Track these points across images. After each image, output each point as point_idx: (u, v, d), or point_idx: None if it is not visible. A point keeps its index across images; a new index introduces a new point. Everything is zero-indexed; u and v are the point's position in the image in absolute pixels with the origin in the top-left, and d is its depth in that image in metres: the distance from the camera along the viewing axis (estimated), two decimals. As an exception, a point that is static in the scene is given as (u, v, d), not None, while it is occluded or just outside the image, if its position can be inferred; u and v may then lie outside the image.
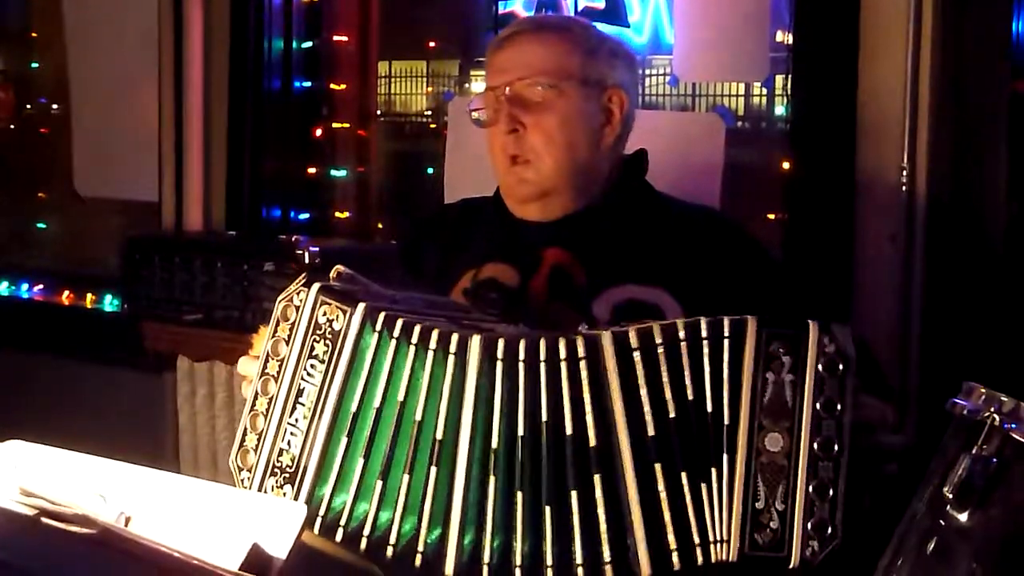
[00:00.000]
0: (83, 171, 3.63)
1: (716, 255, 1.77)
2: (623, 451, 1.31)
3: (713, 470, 1.31)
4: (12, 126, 4.15)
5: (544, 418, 1.32)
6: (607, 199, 1.83)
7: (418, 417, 1.35)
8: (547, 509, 1.31)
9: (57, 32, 3.66)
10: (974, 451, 1.12)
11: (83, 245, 3.87)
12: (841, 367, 1.31)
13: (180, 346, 3.09)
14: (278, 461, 1.40)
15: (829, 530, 1.29)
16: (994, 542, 1.12)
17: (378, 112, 3.42)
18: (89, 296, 3.59)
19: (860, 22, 2.31)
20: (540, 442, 1.32)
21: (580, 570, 1.31)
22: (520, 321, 1.48)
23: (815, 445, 1.30)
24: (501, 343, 1.33)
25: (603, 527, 1.31)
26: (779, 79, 2.61)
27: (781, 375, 1.31)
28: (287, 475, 1.39)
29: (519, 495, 1.32)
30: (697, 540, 1.30)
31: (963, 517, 1.12)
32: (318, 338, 1.40)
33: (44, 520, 1.07)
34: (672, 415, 1.32)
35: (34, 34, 4.06)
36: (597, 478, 1.31)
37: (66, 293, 3.66)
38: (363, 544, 1.35)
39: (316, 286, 1.42)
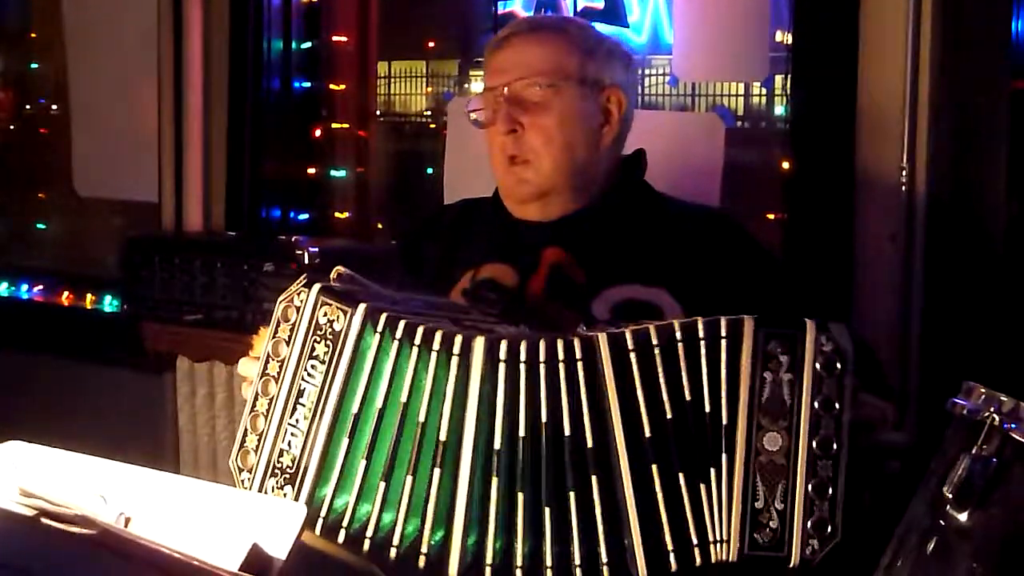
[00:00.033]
0: (83, 171, 3.62)
1: (715, 254, 1.77)
2: (619, 452, 1.32)
3: (712, 470, 1.31)
4: (12, 126, 4.15)
5: (544, 419, 1.32)
6: (606, 199, 1.84)
7: (421, 418, 1.35)
8: (547, 510, 1.31)
9: (57, 32, 3.65)
10: (974, 451, 1.12)
11: (83, 245, 3.87)
12: (839, 366, 1.31)
13: (180, 346, 3.09)
14: (278, 462, 1.40)
15: (829, 529, 1.29)
16: (994, 542, 1.12)
17: (378, 112, 3.41)
18: (89, 296, 3.59)
19: (860, 22, 2.31)
20: (540, 443, 1.32)
21: (579, 571, 1.31)
22: (519, 322, 1.48)
23: (814, 444, 1.30)
24: (504, 344, 1.33)
25: (601, 528, 1.31)
26: (779, 79, 2.61)
27: (779, 374, 1.31)
28: (287, 476, 1.39)
29: (520, 496, 1.32)
30: (695, 540, 1.31)
31: (963, 517, 1.12)
32: (319, 339, 1.40)
33: (44, 520, 1.07)
34: (669, 416, 1.32)
35: (34, 34, 4.06)
36: (594, 479, 1.31)
37: (66, 293, 3.66)
38: (366, 545, 1.35)
39: (317, 287, 1.42)
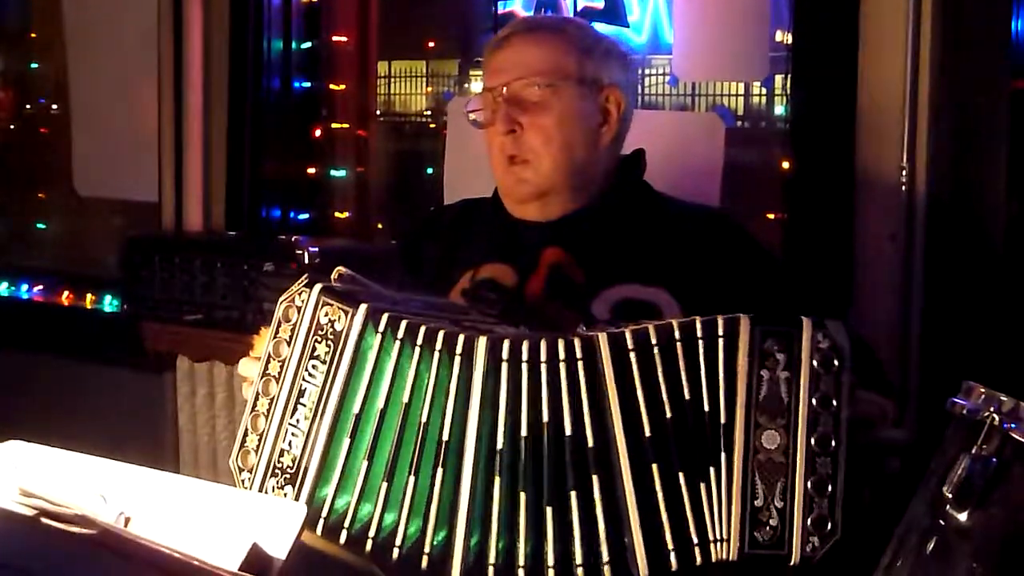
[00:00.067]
0: (83, 171, 3.62)
1: (715, 254, 1.77)
2: (620, 451, 1.32)
3: (711, 469, 1.31)
4: (12, 126, 4.15)
5: (546, 419, 1.32)
6: (605, 199, 1.84)
7: (423, 419, 1.35)
8: (548, 509, 1.31)
9: (57, 32, 3.65)
10: (974, 451, 1.12)
11: (83, 245, 3.87)
12: (836, 363, 1.31)
13: (180, 346, 3.09)
14: (279, 462, 1.40)
15: (829, 526, 1.29)
16: (994, 542, 1.12)
17: (378, 112, 3.41)
18: (89, 296, 3.59)
19: (860, 21, 2.31)
20: (542, 442, 1.32)
21: (580, 570, 1.31)
22: (519, 322, 1.48)
23: (812, 441, 1.30)
24: (506, 344, 1.33)
25: (602, 527, 1.31)
26: (779, 79, 2.61)
27: (776, 372, 1.31)
28: (288, 476, 1.39)
29: (523, 495, 1.32)
30: (696, 539, 1.31)
31: (963, 517, 1.12)
32: (319, 339, 1.40)
33: (44, 520, 1.07)
34: (669, 415, 1.32)
35: (34, 34, 4.06)
36: (595, 478, 1.31)
37: (66, 293, 3.66)
38: (368, 546, 1.35)
39: (318, 287, 1.42)
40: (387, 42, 3.37)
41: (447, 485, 1.33)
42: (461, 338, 1.35)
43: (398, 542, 1.34)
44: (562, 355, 1.33)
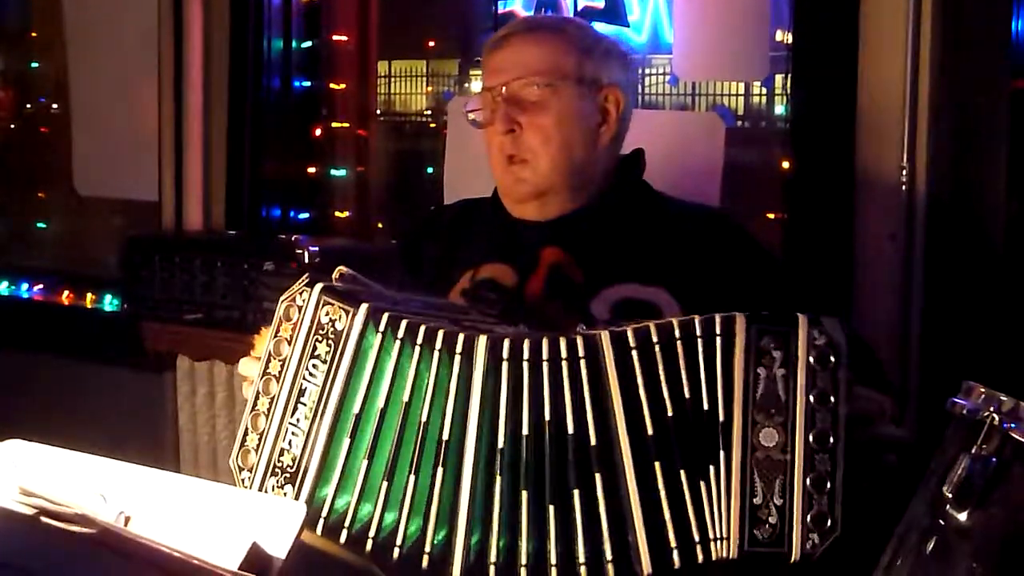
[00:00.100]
0: (83, 171, 3.62)
1: (715, 253, 1.77)
2: (623, 450, 1.32)
3: (711, 467, 1.31)
4: (12, 125, 4.15)
5: (547, 417, 1.32)
6: (604, 198, 1.84)
7: (423, 418, 1.35)
8: (550, 508, 1.31)
9: (57, 32, 3.66)
10: (973, 451, 1.12)
11: (83, 245, 3.87)
12: (833, 359, 1.31)
13: (180, 346, 3.09)
14: (279, 461, 1.40)
15: (828, 522, 1.29)
16: (994, 542, 1.12)
17: (378, 112, 3.41)
18: (89, 296, 3.59)
19: (860, 21, 2.31)
20: (544, 441, 1.32)
21: (583, 569, 1.31)
22: (519, 321, 1.48)
23: (810, 438, 1.30)
24: (507, 343, 1.33)
25: (605, 526, 1.31)
26: (779, 78, 2.61)
27: (773, 370, 1.31)
28: (288, 475, 1.39)
29: (524, 494, 1.32)
30: (697, 538, 1.31)
31: (963, 517, 1.12)
32: (320, 338, 1.40)
33: (44, 519, 1.07)
34: (670, 413, 1.32)
35: (34, 34, 4.06)
36: (598, 477, 1.31)
37: (66, 293, 3.66)
38: (368, 546, 1.35)
39: (319, 286, 1.42)
40: (387, 42, 3.37)
41: (447, 484, 1.33)
42: (461, 337, 1.35)
43: (398, 541, 1.34)
44: (564, 353, 1.33)
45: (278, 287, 2.27)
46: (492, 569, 1.31)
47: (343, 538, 1.36)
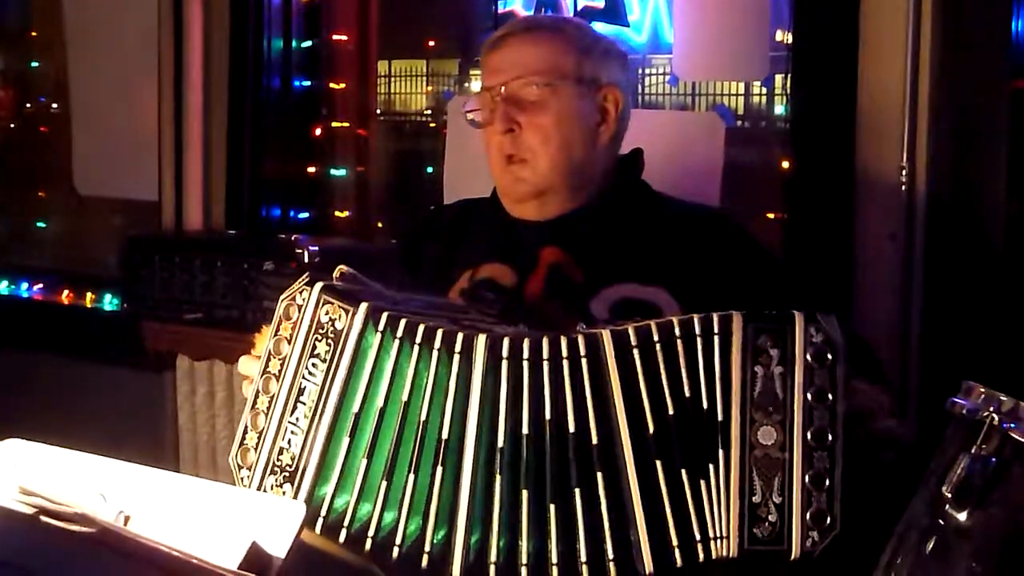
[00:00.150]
0: (83, 170, 3.63)
1: (714, 253, 1.77)
2: (624, 448, 1.32)
3: (710, 466, 1.31)
4: (12, 125, 4.15)
5: (548, 416, 1.32)
6: (603, 198, 1.84)
7: (422, 417, 1.35)
8: (551, 507, 1.31)
9: (58, 31, 3.66)
10: (973, 450, 1.12)
11: (83, 244, 3.87)
12: (830, 356, 1.31)
13: (180, 345, 3.09)
14: (278, 460, 1.40)
15: (828, 520, 1.29)
16: (993, 541, 1.12)
17: (378, 111, 3.41)
18: (89, 296, 3.59)
19: (860, 21, 2.31)
20: (544, 440, 1.32)
21: (584, 568, 1.31)
22: (518, 321, 1.48)
23: (808, 436, 1.30)
24: (506, 342, 1.33)
25: (606, 524, 1.31)
26: (779, 78, 2.61)
27: (770, 368, 1.31)
28: (287, 474, 1.39)
29: (524, 493, 1.32)
30: (698, 536, 1.31)
31: (962, 516, 1.12)
32: (320, 337, 1.40)
33: (43, 519, 1.07)
34: (671, 412, 1.32)
35: (34, 34, 4.06)
36: (599, 475, 1.31)
37: (66, 293, 3.66)
38: (368, 545, 1.35)
39: (319, 285, 1.42)
40: (387, 41, 3.37)
41: (447, 483, 1.33)
42: (460, 336, 1.35)
43: (398, 541, 1.34)
44: (565, 352, 1.33)
45: (278, 287, 2.27)
46: (492, 568, 1.31)
47: (342, 537, 1.36)
